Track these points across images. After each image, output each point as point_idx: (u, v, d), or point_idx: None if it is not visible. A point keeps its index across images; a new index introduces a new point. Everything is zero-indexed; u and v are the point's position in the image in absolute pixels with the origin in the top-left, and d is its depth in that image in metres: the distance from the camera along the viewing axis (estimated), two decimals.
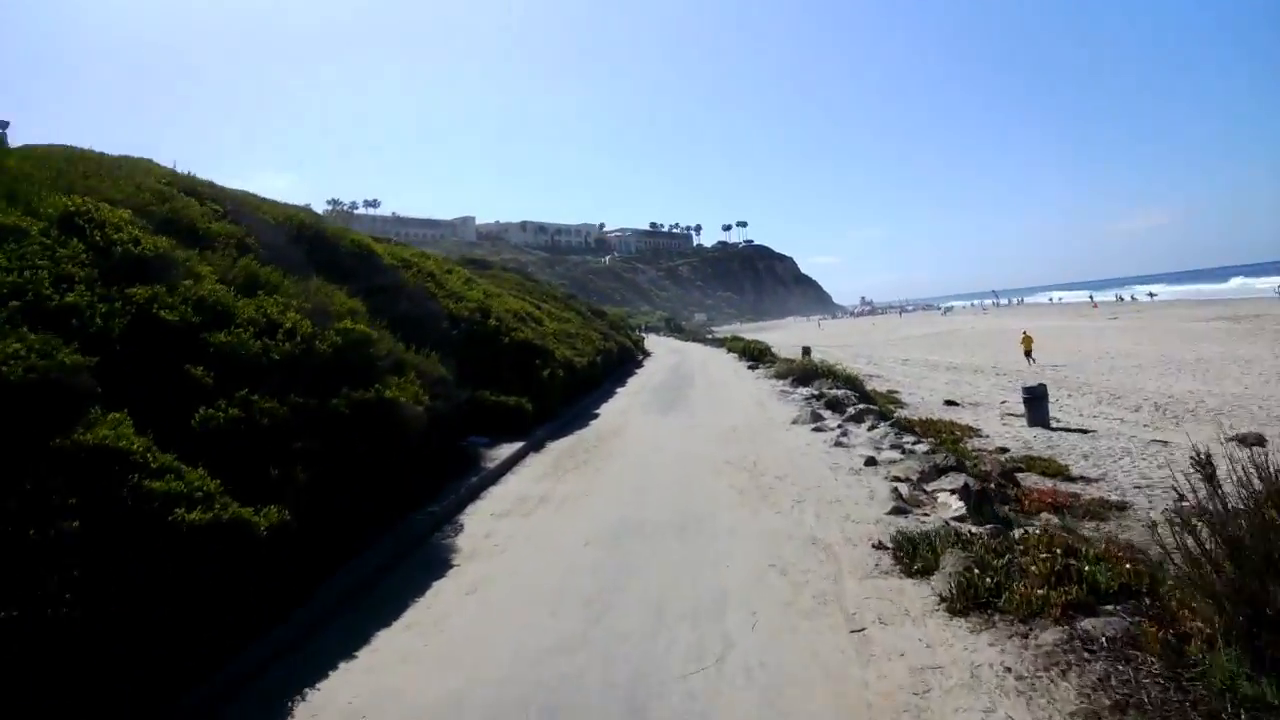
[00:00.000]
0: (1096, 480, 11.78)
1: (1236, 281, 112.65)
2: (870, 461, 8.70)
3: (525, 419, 12.19)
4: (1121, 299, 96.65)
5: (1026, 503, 8.95)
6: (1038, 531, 5.05)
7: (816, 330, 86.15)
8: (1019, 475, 11.02)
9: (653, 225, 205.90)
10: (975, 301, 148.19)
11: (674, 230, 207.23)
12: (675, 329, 78.42)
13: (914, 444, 10.03)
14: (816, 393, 16.30)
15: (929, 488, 7.47)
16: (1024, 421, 17.70)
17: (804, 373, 19.54)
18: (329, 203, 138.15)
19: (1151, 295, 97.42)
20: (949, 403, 21.57)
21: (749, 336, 62.78)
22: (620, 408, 16.17)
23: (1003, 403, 21.43)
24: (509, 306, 17.16)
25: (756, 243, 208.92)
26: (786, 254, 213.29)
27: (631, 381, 22.92)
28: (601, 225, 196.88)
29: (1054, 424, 17.16)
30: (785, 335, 75.09)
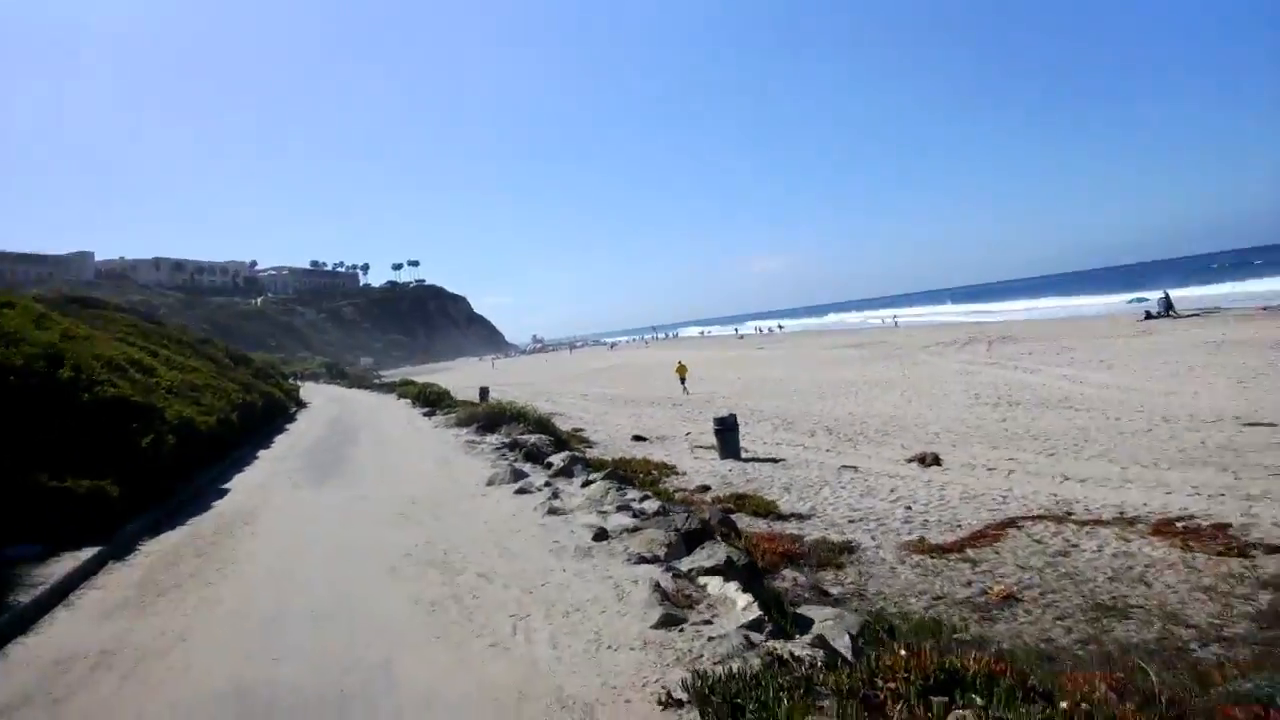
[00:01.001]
0: (809, 517, 11.11)
1: (832, 316, 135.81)
2: (601, 535, 6.70)
3: (109, 508, 8.31)
4: (760, 330, 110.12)
5: (759, 555, 7.64)
6: (891, 657, 3.34)
7: (491, 370, 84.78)
8: (732, 516, 9.99)
9: (314, 264, 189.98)
10: (636, 336, 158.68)
11: (338, 270, 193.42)
12: (339, 375, 71.32)
13: (641, 500, 8.31)
14: (508, 440, 14.18)
15: (685, 566, 5.66)
16: (714, 454, 17.33)
17: (489, 417, 17.33)
18: None
19: (781, 327, 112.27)
20: (637, 438, 20.98)
21: (422, 379, 59.24)
22: (259, 479, 12.43)
23: (687, 434, 21.27)
24: (102, 353, 12.57)
25: (429, 282, 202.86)
26: (460, 294, 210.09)
27: (280, 440, 18.71)
28: (253, 263, 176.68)
29: (744, 454, 16.97)
30: (460, 377, 72.37)
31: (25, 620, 6.04)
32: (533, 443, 13.80)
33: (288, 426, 22.82)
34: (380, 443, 15.85)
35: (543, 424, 16.86)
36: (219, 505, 10.00)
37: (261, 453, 16.24)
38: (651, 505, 7.93)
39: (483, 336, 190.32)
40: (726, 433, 17.12)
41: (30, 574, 6.87)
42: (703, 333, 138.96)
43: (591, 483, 9.29)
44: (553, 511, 7.96)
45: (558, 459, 12.09)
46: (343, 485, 10.94)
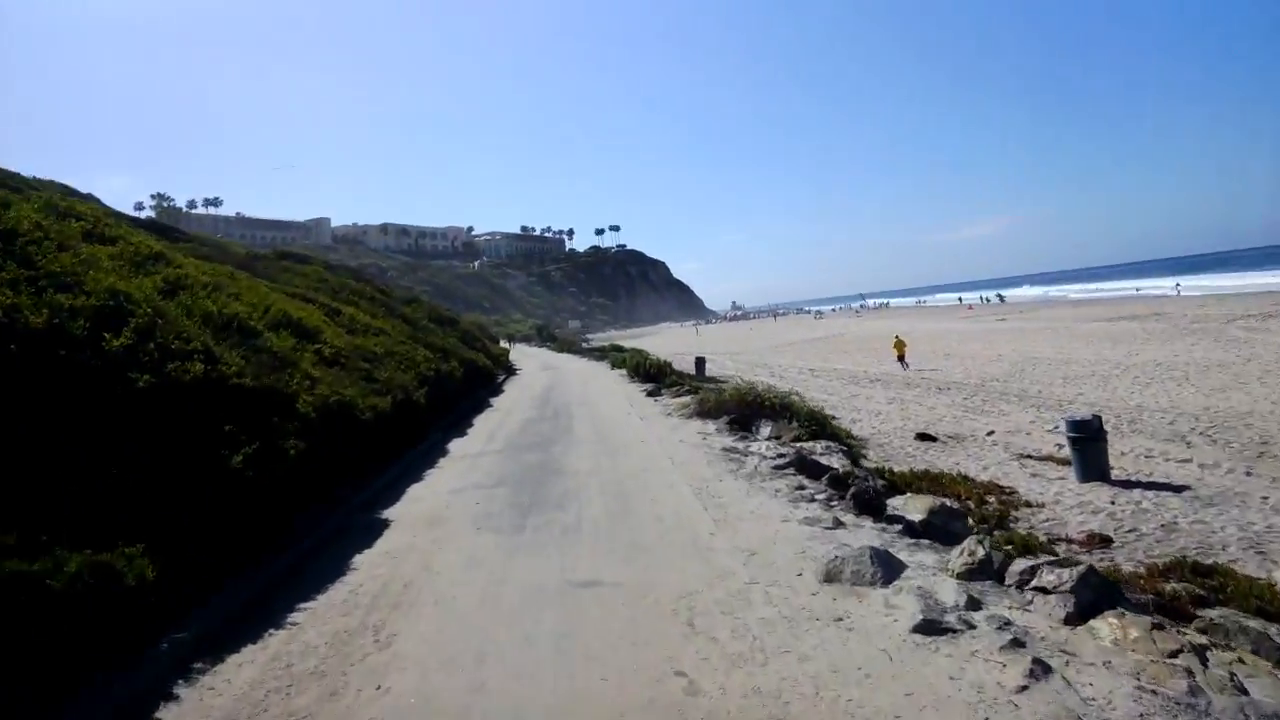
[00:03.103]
0: None
1: (1066, 287, 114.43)
2: None
3: (127, 609, 4.35)
4: (987, 300, 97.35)
5: None
6: None
7: (695, 336, 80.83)
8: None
9: (524, 228, 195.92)
10: (840, 305, 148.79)
11: (546, 234, 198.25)
12: (548, 338, 70.41)
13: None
14: (787, 453, 9.27)
15: None
16: (1056, 469, 12.07)
17: (741, 407, 12.52)
18: (153, 198, 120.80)
19: (1001, 298, 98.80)
20: (923, 437, 15.60)
21: (628, 344, 56.14)
22: (434, 504, 8.38)
23: (989, 433, 15.58)
24: (234, 309, 9.20)
25: (629, 247, 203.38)
26: (659, 258, 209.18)
27: (479, 425, 15.08)
28: (470, 228, 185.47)
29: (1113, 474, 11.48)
30: (664, 342, 68.99)
31: None
32: (817, 456, 8.92)
33: (492, 401, 19.47)
34: (602, 440, 11.52)
35: (817, 421, 11.82)
36: (350, 576, 5.85)
37: (453, 445, 12.53)
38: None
39: (681, 302, 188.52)
40: (1088, 443, 11.34)
41: None
42: (919, 302, 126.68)
43: (1027, 584, 4.22)
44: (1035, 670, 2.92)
45: (900, 504, 7.07)
46: (553, 537, 6.52)
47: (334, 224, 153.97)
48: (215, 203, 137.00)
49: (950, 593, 4.67)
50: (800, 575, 5.23)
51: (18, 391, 4.78)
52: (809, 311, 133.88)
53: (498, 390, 23.15)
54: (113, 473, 4.71)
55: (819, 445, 10.01)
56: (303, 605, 5.25)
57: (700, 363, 30.67)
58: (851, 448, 11.28)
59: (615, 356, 32.25)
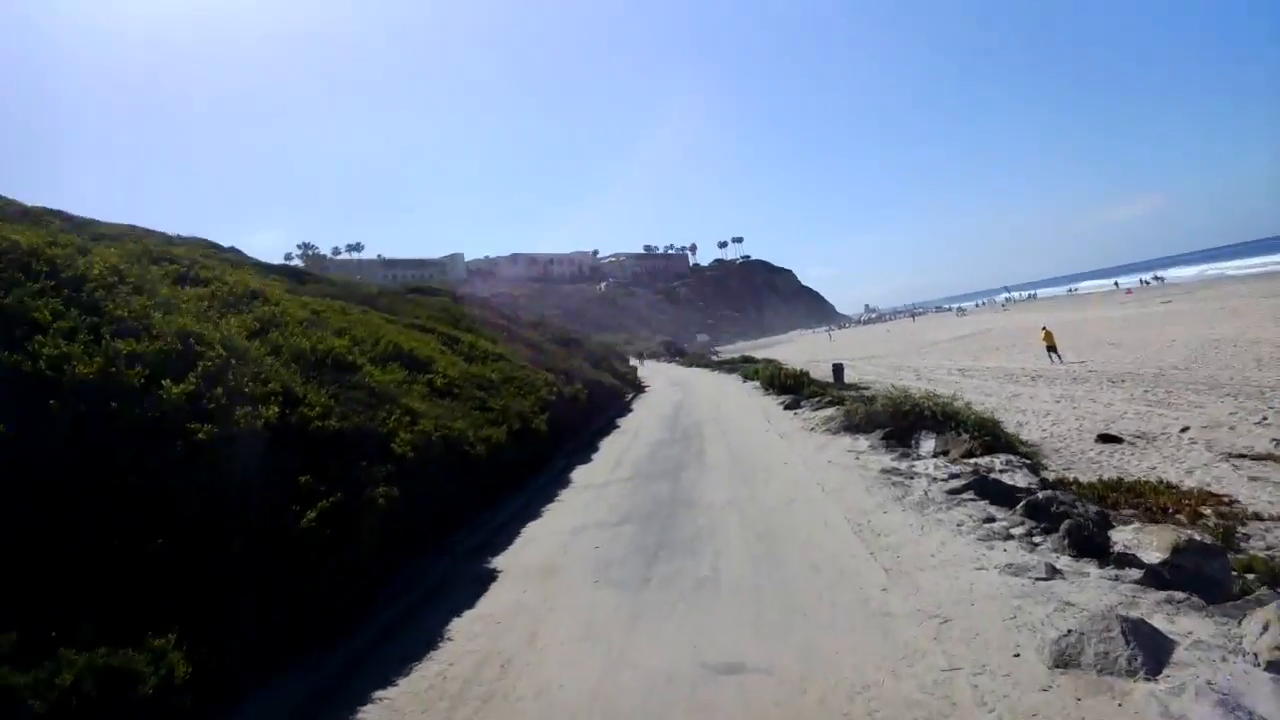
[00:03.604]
0: None
1: (1233, 262, 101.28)
2: None
3: None
4: (1145, 282, 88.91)
5: None
6: None
7: (829, 342, 77.55)
8: None
9: (647, 248, 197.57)
10: (984, 300, 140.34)
11: (669, 251, 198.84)
12: (677, 353, 69.66)
13: None
14: (963, 474, 7.62)
15: None
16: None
17: (896, 417, 10.86)
18: (299, 247, 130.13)
19: (1160, 279, 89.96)
20: (1106, 438, 13.38)
21: (760, 355, 54.22)
22: (549, 548, 7.31)
23: (1183, 430, 13.27)
24: (325, 345, 8.62)
25: (754, 257, 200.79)
26: (785, 266, 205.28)
27: (605, 449, 14.13)
28: (595, 252, 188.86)
29: None
30: (796, 350, 66.34)
31: None
32: (1029, 488, 7.19)
33: (620, 422, 18.53)
34: (738, 463, 10.20)
35: (989, 430, 9.98)
36: (443, 650, 4.85)
37: (577, 473, 11.57)
38: None
39: (811, 308, 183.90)
40: None
41: None
42: (1071, 289, 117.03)
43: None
44: None
45: (1129, 539, 5.36)
46: (684, 593, 5.28)
47: (468, 258, 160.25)
48: (357, 248, 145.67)
49: (1266, 696, 3.09)
50: (1018, 656, 3.76)
51: (55, 451, 4.09)
52: (949, 309, 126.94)
53: (626, 410, 22.25)
54: (150, 547, 3.91)
55: (997, 460, 8.26)
56: (379, 694, 4.28)
57: (839, 369, 28.71)
58: (1033, 460, 9.41)
59: (746, 368, 30.78)
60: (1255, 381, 16.05)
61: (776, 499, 7.66)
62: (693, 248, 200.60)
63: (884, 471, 8.09)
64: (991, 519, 5.94)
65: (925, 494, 6.82)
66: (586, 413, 16.90)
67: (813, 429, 12.29)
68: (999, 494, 6.57)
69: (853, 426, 11.15)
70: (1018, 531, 5.55)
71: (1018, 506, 6.09)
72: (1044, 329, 29.69)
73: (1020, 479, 7.43)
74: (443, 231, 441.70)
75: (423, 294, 28.25)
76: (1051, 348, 27.75)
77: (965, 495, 6.59)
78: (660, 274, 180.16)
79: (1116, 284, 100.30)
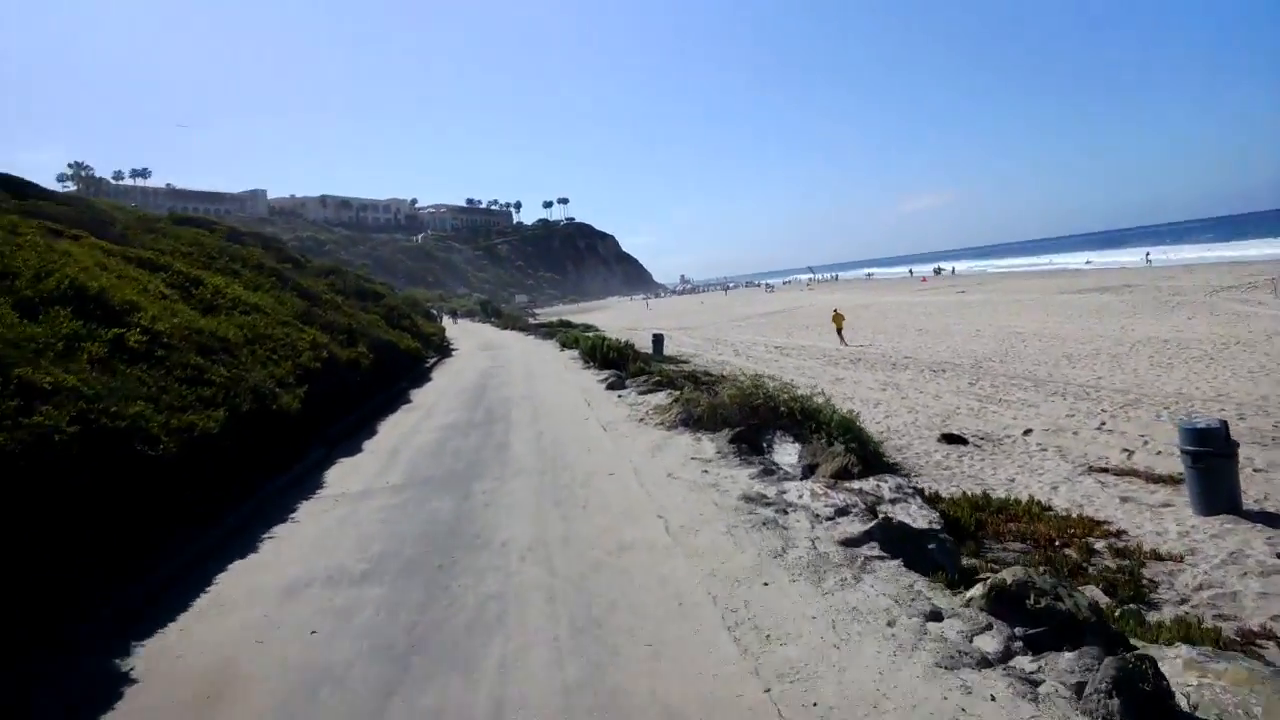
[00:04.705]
0: None
1: (1019, 259, 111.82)
2: None
3: None
4: (938, 272, 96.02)
5: None
6: None
7: (646, 310, 77.35)
8: None
9: (470, 201, 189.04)
10: (789, 278, 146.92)
11: (493, 207, 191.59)
12: (493, 313, 65.94)
13: None
14: (845, 502, 5.77)
15: None
16: (1150, 488, 8.97)
17: (745, 413, 8.95)
18: (70, 166, 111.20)
19: (953, 270, 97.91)
20: (949, 438, 12.70)
21: (578, 319, 52.12)
22: (230, 636, 4.35)
23: (1026, 433, 12.81)
24: None
25: (578, 220, 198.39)
26: (608, 232, 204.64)
27: (382, 435, 11.09)
28: (414, 201, 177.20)
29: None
30: (614, 317, 65.10)
31: None
32: (904, 520, 5.44)
33: (413, 396, 15.52)
34: (551, 471, 7.67)
35: (852, 434, 8.33)
36: None
37: (333, 473, 8.60)
38: None
39: (630, 276, 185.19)
40: (1215, 461, 8.23)
41: None
42: (868, 274, 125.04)
43: None
44: None
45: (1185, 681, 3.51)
46: None
47: (271, 196, 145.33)
48: (144, 174, 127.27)
49: None
50: None
51: None
52: (759, 284, 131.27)
53: (425, 377, 19.18)
54: None
55: (885, 486, 6.49)
56: None
57: (658, 340, 27.22)
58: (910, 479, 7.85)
59: (565, 335, 28.47)
60: (1076, 381, 16.02)
61: (603, 543, 5.34)
62: (517, 206, 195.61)
63: (746, 499, 6.02)
64: (936, 613, 3.88)
65: (813, 545, 4.81)
66: (368, 382, 13.77)
67: (642, 419, 10.15)
68: (913, 550, 4.72)
69: (692, 420, 9.11)
70: (989, 647, 3.45)
71: (972, 591, 4.08)
72: (835, 310, 30.64)
73: (918, 515, 5.68)
74: (247, 165, 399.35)
75: (195, 225, 23.37)
76: (839, 329, 28.54)
77: (869, 550, 4.64)
78: (481, 229, 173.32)
79: (910, 271, 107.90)
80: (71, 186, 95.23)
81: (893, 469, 8.11)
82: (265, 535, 6.28)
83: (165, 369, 7.27)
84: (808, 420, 8.69)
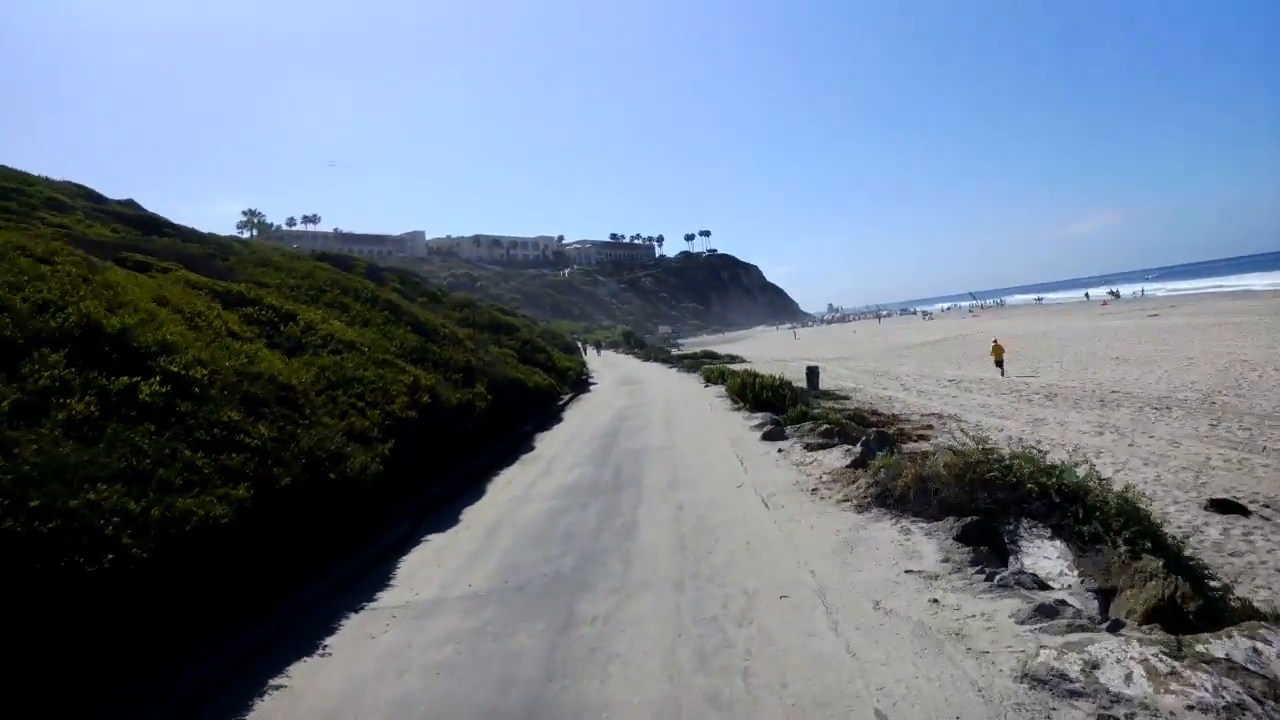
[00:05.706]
0: None
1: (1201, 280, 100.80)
2: None
3: None
4: (1116, 295, 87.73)
5: None
6: None
7: (793, 340, 73.62)
8: None
9: (613, 236, 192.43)
10: (949, 305, 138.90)
11: (635, 241, 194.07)
12: (637, 344, 64.78)
13: None
14: (1199, 693, 2.90)
15: None
16: None
17: (964, 485, 6.16)
18: (244, 214, 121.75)
19: (1115, 294, 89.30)
20: (1220, 506, 10.21)
21: (722, 350, 49.62)
22: None
23: None
24: None
25: (720, 251, 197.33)
26: (751, 263, 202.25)
27: (486, 501, 9.10)
28: (560, 238, 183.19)
29: None
30: (760, 347, 61.85)
31: None
32: None
33: (537, 441, 13.60)
34: (692, 573, 5.20)
35: (1144, 529, 5.38)
36: None
37: (401, 572, 6.49)
38: None
39: (775, 305, 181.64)
40: None
41: None
42: (1038, 299, 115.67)
43: None
44: None
45: None
46: None
47: (429, 237, 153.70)
48: (313, 219, 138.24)
49: None
50: None
51: None
52: (914, 312, 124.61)
53: (555, 418, 17.32)
54: None
55: (1271, 650, 3.65)
56: None
57: (814, 374, 24.29)
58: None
59: (710, 369, 26.03)
60: None
61: None
62: (660, 239, 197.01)
63: (1031, 681, 3.33)
64: None
65: None
66: (484, 429, 11.91)
67: (815, 490, 7.51)
68: None
69: (892, 499, 6.44)
70: None
71: None
72: (995, 342, 28.06)
73: None
74: (409, 210, 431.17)
75: (332, 262, 22.97)
76: (999, 361, 26.12)
77: None
78: (625, 263, 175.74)
79: (1087, 295, 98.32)
80: (247, 233, 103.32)
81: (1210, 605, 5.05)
82: (269, 684, 4.19)
83: (183, 429, 5.46)
84: (1068, 503, 5.78)
